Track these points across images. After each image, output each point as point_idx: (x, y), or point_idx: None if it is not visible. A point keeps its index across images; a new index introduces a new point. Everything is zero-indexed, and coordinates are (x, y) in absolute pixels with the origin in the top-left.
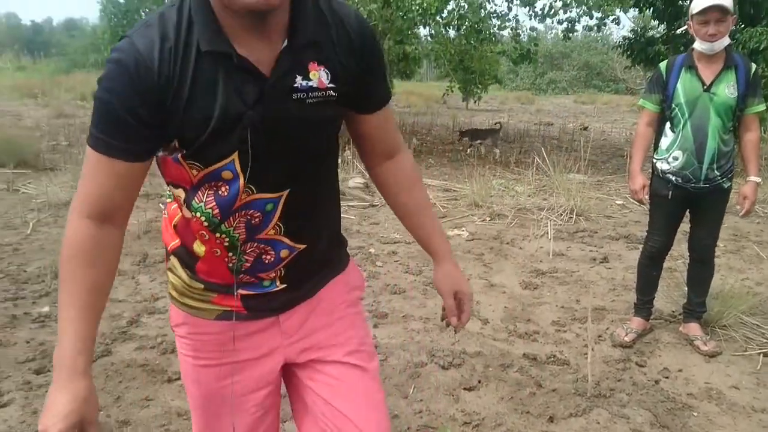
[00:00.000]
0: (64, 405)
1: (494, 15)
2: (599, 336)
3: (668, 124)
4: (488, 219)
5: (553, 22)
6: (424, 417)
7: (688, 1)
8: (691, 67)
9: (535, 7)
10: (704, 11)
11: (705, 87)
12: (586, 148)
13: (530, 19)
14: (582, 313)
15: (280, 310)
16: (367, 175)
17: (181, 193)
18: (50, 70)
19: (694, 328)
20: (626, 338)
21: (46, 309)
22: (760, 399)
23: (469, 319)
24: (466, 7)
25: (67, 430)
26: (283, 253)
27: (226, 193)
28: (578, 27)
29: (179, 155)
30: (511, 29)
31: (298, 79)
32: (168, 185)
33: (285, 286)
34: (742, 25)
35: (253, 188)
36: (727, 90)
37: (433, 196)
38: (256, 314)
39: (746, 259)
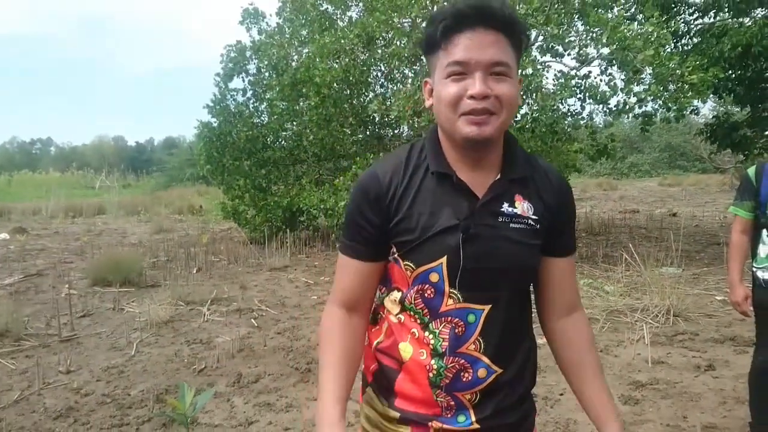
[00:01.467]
0: None
1: (568, 114)
2: None
3: (765, 232)
4: None
5: (628, 117)
6: None
7: None
8: None
9: (609, 104)
10: None
11: None
12: (678, 238)
13: (605, 116)
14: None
15: None
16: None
17: (397, 295)
18: (151, 187)
19: None
20: None
21: None
22: None
23: None
24: (539, 110)
25: None
26: (481, 372)
27: (432, 296)
28: (655, 120)
29: (399, 258)
30: (586, 127)
31: (505, 205)
32: (389, 293)
33: (479, 427)
34: None
35: (458, 295)
36: None
37: None
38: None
39: None
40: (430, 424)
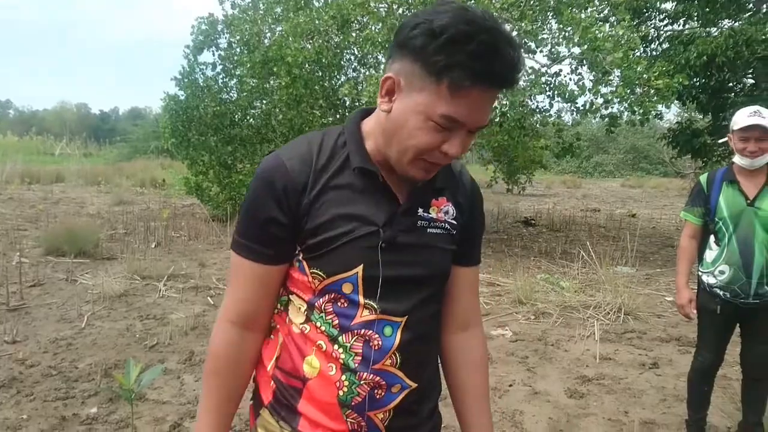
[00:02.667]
0: None
1: (537, 111)
2: None
3: (713, 238)
4: (533, 317)
5: (595, 118)
6: None
7: (730, 112)
8: (733, 182)
9: (576, 103)
10: (746, 129)
11: (749, 202)
12: (634, 238)
13: (572, 115)
14: (631, 427)
15: None
16: None
17: (301, 303)
18: (113, 157)
19: None
20: None
21: (94, 410)
22: None
23: None
24: (508, 105)
25: None
26: (395, 388)
27: (345, 306)
28: (621, 122)
29: (304, 263)
30: (553, 124)
31: (421, 210)
32: (289, 300)
33: None
34: None
35: (374, 307)
36: None
37: None
38: None
39: None
40: None
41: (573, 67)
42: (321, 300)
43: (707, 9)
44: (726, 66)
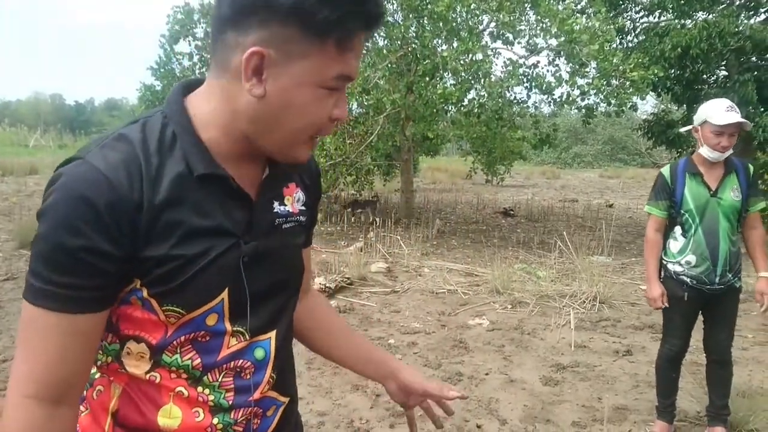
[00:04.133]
0: None
1: (514, 102)
2: None
3: (679, 230)
4: (509, 307)
5: (571, 109)
6: None
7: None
8: (696, 174)
9: (554, 95)
10: (723, 126)
11: (712, 192)
12: (610, 228)
13: (549, 106)
14: (603, 413)
15: None
16: (390, 259)
17: (144, 350)
18: None
19: None
20: None
21: None
22: None
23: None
24: (486, 96)
25: None
26: (270, 411)
27: (207, 339)
28: (597, 113)
29: (152, 301)
30: (531, 115)
31: (276, 204)
32: (123, 344)
33: None
34: (762, 109)
35: (242, 332)
36: (732, 194)
37: (454, 281)
38: None
39: None
40: None
41: (550, 58)
42: (176, 341)
43: (682, 1)
44: (700, 58)
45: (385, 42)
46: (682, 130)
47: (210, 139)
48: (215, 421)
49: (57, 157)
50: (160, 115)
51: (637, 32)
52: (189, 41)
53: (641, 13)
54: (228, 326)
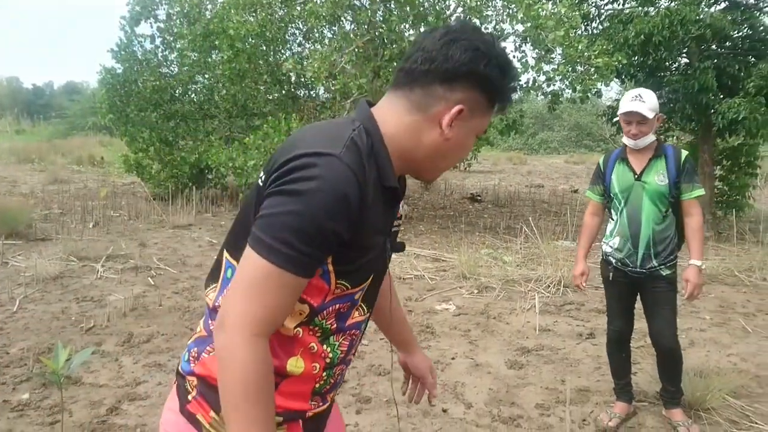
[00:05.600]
0: None
1: None
2: (584, 420)
3: (612, 212)
4: (476, 291)
5: (537, 95)
6: None
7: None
8: (624, 159)
9: (520, 81)
10: (627, 114)
11: (636, 176)
12: (575, 213)
13: (515, 92)
14: (566, 395)
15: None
16: None
17: (304, 308)
18: (48, 134)
19: (676, 414)
20: (610, 423)
21: (26, 396)
22: None
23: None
24: None
25: None
26: (346, 370)
27: (344, 310)
28: (562, 99)
29: (331, 274)
30: None
31: (399, 210)
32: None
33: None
34: (721, 96)
35: (364, 308)
36: (657, 178)
37: (422, 267)
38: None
39: (732, 333)
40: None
41: (517, 44)
42: (331, 307)
43: None
44: (662, 45)
45: (352, 26)
46: (614, 120)
47: (392, 154)
48: (324, 374)
49: (14, 143)
50: (359, 125)
51: (601, 19)
52: (150, 23)
53: (606, 0)
54: (359, 304)
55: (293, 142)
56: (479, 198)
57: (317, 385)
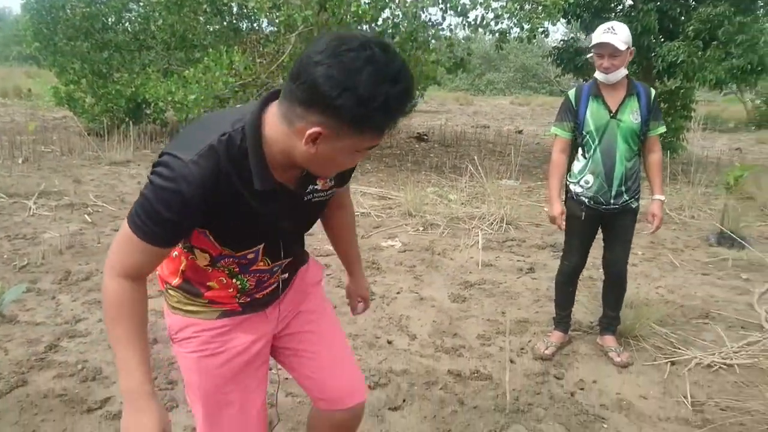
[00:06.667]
0: (152, 423)
1: (429, 24)
2: (522, 349)
3: (580, 150)
4: (421, 229)
5: (485, 33)
6: None
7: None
8: (598, 96)
9: (468, 17)
10: (599, 45)
11: (612, 114)
12: (519, 153)
13: (463, 29)
14: (506, 326)
15: (266, 306)
16: None
17: (207, 256)
18: None
19: (609, 340)
20: (546, 351)
21: None
22: (665, 408)
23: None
24: (401, 15)
25: None
26: (276, 268)
27: (244, 263)
28: (509, 38)
29: (214, 241)
30: (445, 38)
31: (311, 186)
32: (193, 249)
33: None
34: (662, 39)
35: (268, 260)
36: (632, 116)
37: (368, 205)
38: (248, 310)
39: (661, 267)
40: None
41: None
42: (228, 260)
43: None
44: None
45: None
46: (588, 56)
47: (271, 154)
48: (239, 294)
49: None
50: (242, 124)
51: None
52: None
53: None
54: (260, 258)
55: (179, 135)
56: (426, 137)
57: (237, 293)
